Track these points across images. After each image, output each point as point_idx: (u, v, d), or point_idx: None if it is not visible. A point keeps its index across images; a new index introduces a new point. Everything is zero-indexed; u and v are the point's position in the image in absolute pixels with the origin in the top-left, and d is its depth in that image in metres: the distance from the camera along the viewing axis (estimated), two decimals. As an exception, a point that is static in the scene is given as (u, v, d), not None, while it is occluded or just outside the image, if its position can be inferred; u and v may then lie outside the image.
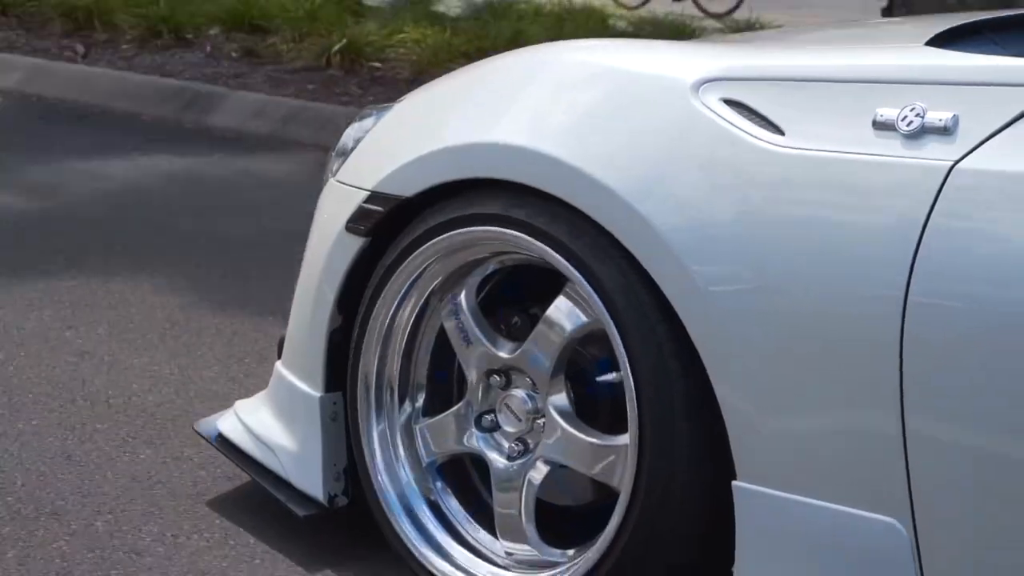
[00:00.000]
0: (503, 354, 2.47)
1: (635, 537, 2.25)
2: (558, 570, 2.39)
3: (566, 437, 2.39)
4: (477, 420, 2.51)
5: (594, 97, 2.38)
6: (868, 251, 2.06)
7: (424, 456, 2.59)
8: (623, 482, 2.27)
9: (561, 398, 2.40)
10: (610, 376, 2.40)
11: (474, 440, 2.53)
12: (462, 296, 2.50)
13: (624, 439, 2.28)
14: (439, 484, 2.59)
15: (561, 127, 2.36)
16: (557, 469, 2.45)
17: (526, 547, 2.46)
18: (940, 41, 2.29)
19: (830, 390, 2.10)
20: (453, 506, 2.58)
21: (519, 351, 2.45)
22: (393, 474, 2.59)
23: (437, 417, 2.58)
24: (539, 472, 2.43)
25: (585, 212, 2.29)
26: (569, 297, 2.37)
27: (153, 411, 3.37)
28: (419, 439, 2.59)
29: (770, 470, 2.17)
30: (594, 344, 2.41)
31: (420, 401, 2.62)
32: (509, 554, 2.49)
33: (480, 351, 2.49)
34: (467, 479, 2.63)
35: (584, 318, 2.36)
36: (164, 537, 2.74)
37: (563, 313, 2.37)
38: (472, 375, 2.52)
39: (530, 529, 2.44)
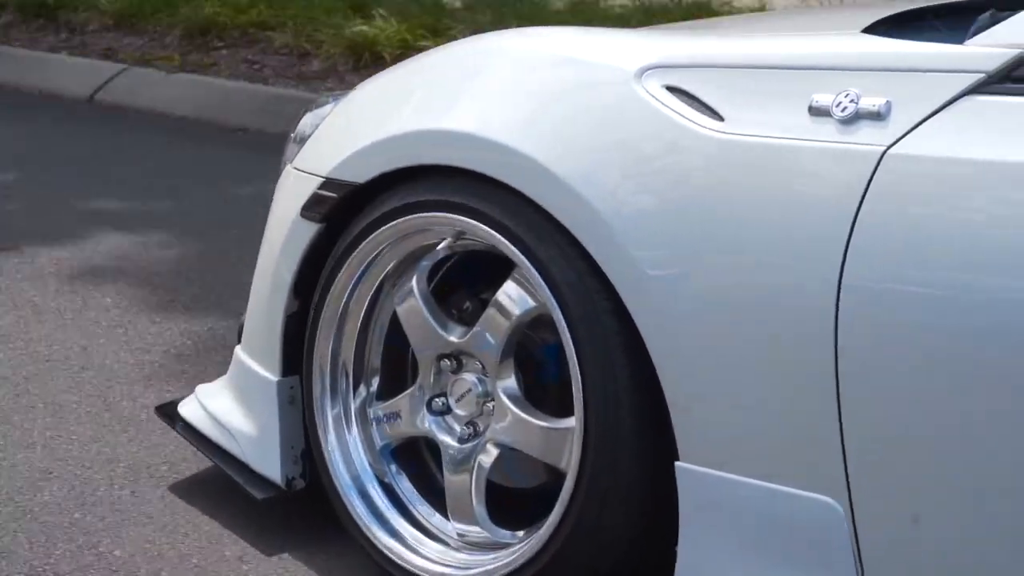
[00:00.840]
0: (453, 338, 2.51)
1: (581, 518, 2.29)
2: (509, 551, 2.43)
3: (515, 420, 2.43)
4: (429, 403, 2.55)
5: (540, 84, 2.42)
6: (803, 234, 2.10)
7: (378, 439, 2.63)
8: (570, 464, 2.31)
9: (510, 382, 2.44)
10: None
11: (426, 423, 2.56)
12: (414, 280, 2.54)
13: (571, 422, 2.32)
14: (393, 467, 2.63)
15: (508, 114, 2.40)
16: (507, 452, 2.49)
17: (477, 528, 2.50)
18: (878, 28, 2.32)
19: (768, 372, 2.14)
20: (407, 488, 2.62)
21: (469, 335, 2.48)
22: (347, 457, 2.63)
23: (390, 401, 2.62)
24: (489, 455, 2.47)
25: (531, 198, 2.32)
26: (517, 282, 2.41)
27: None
28: (373, 423, 2.63)
29: (711, 451, 2.21)
30: (544, 328, 2.44)
31: (374, 385, 2.66)
32: (461, 535, 2.53)
33: (431, 335, 2.53)
34: (422, 462, 2.67)
35: (532, 303, 2.39)
36: (123, 519, 2.78)
37: (511, 298, 2.41)
38: (423, 359, 2.56)
39: (480, 511, 2.48)
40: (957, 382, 1.99)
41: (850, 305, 2.05)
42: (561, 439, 2.36)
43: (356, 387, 2.65)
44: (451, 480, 2.52)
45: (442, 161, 2.45)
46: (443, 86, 2.56)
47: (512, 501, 2.57)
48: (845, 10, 2.49)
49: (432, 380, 2.56)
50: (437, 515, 2.59)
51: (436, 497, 2.62)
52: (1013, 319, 1.94)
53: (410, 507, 2.60)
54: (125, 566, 2.62)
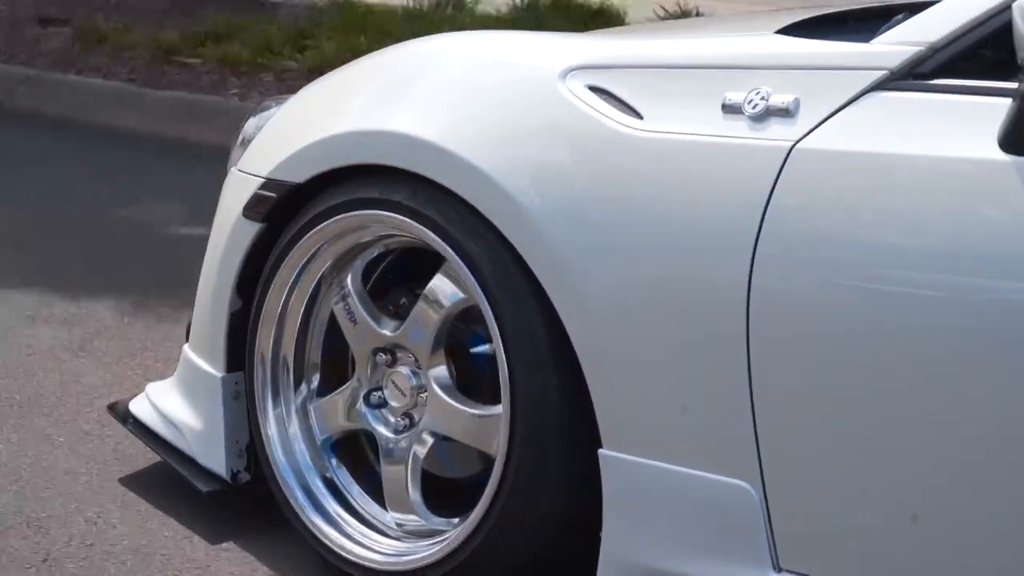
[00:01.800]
0: (387, 332, 2.58)
1: (510, 504, 2.36)
2: (443, 537, 2.50)
3: (446, 409, 2.50)
4: (366, 397, 2.62)
5: (470, 85, 2.50)
6: (717, 227, 2.17)
7: (319, 434, 2.70)
8: (498, 451, 2.38)
9: (441, 371, 2.51)
10: (485, 348, 2.51)
11: (364, 416, 2.63)
12: (348, 278, 2.61)
13: (500, 409, 2.39)
14: (333, 461, 2.70)
15: (438, 114, 2.48)
16: (441, 442, 2.56)
17: (414, 517, 2.57)
18: (794, 30, 2.40)
19: (684, 360, 2.21)
20: (345, 479, 2.69)
21: (401, 329, 2.56)
22: (288, 449, 2.70)
23: (329, 396, 2.69)
24: (424, 444, 2.54)
25: (459, 194, 2.40)
26: (447, 275, 2.48)
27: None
28: (313, 417, 2.70)
29: (632, 438, 2.29)
30: (475, 320, 2.52)
31: (315, 382, 2.73)
32: (400, 525, 2.60)
33: (366, 330, 2.61)
34: (362, 454, 2.74)
35: (461, 294, 2.47)
36: (72, 514, 2.85)
37: (441, 290, 2.49)
38: (360, 354, 2.63)
39: (416, 499, 2.55)
40: (863, 368, 2.07)
41: (760, 295, 2.13)
42: (491, 426, 2.43)
43: (297, 383, 2.72)
44: (388, 470, 2.59)
45: (375, 160, 2.52)
46: (377, 89, 2.63)
47: (453, 492, 2.64)
48: (781, 14, 2.56)
49: (369, 374, 2.63)
50: (375, 506, 2.66)
51: (375, 488, 2.69)
52: (915, 306, 2.01)
53: (351, 500, 2.67)
54: (71, 552, 2.68)
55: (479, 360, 2.55)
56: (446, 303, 2.48)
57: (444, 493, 2.62)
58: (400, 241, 2.58)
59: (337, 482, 2.68)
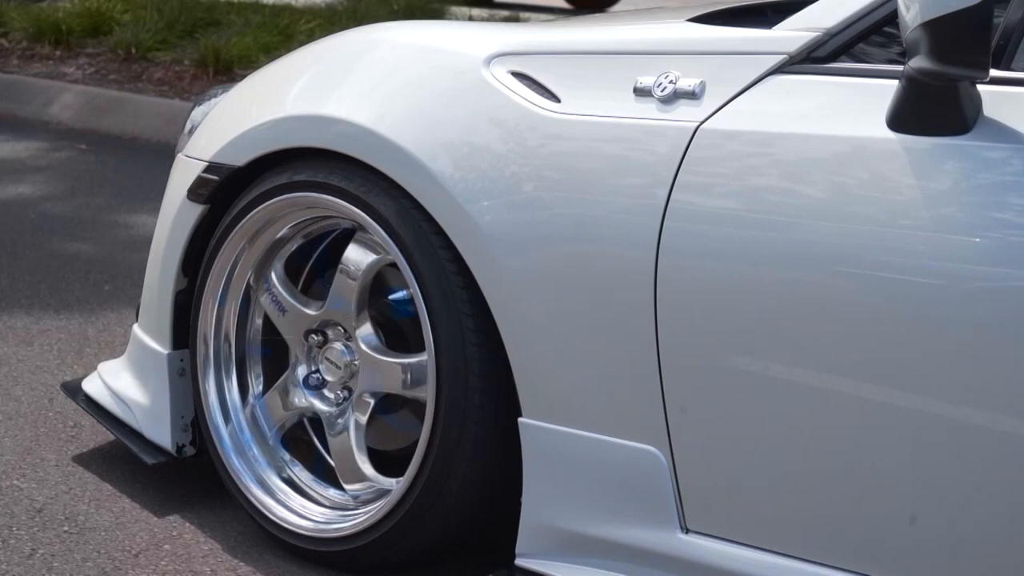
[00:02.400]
0: (313, 311, 2.70)
1: (437, 464, 2.47)
2: (389, 496, 2.58)
3: (378, 365, 2.62)
4: (305, 381, 2.73)
5: (400, 71, 2.61)
6: (627, 203, 2.29)
7: (267, 431, 2.80)
8: (428, 392, 2.48)
9: (367, 330, 2.64)
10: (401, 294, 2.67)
11: (306, 399, 2.74)
12: (272, 273, 2.75)
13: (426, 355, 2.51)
14: (287, 456, 2.80)
15: (368, 99, 2.59)
16: (382, 417, 2.67)
17: (368, 483, 2.65)
18: (706, 18, 2.51)
19: (596, 331, 2.32)
20: (301, 473, 2.79)
21: (325, 304, 2.68)
22: (228, 421, 2.80)
23: (270, 390, 2.80)
24: (364, 410, 2.65)
25: (388, 175, 2.51)
26: (358, 243, 2.62)
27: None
28: (259, 414, 2.80)
29: (549, 406, 2.40)
30: (393, 278, 2.66)
31: (259, 386, 2.83)
32: (356, 496, 2.69)
33: (294, 315, 2.72)
34: (308, 442, 2.84)
35: (373, 255, 2.59)
36: (29, 488, 2.95)
37: (354, 259, 2.62)
38: (293, 342, 2.75)
39: (363, 463, 2.65)
40: (763, 338, 2.18)
41: (667, 268, 2.24)
42: (420, 372, 2.55)
43: (239, 361, 2.82)
44: (335, 444, 2.69)
45: (310, 144, 2.63)
46: (314, 76, 2.75)
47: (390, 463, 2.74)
48: (702, 8, 2.67)
49: (304, 359, 2.74)
50: (307, 473, 2.77)
51: (317, 465, 2.80)
52: (810, 279, 2.12)
53: (302, 486, 2.77)
54: (26, 525, 2.79)
55: (401, 317, 2.66)
56: (362, 268, 2.60)
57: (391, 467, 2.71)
58: (322, 226, 2.70)
59: (295, 478, 2.77)
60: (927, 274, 2.03)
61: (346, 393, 2.69)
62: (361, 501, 2.69)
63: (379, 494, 2.65)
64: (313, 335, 2.71)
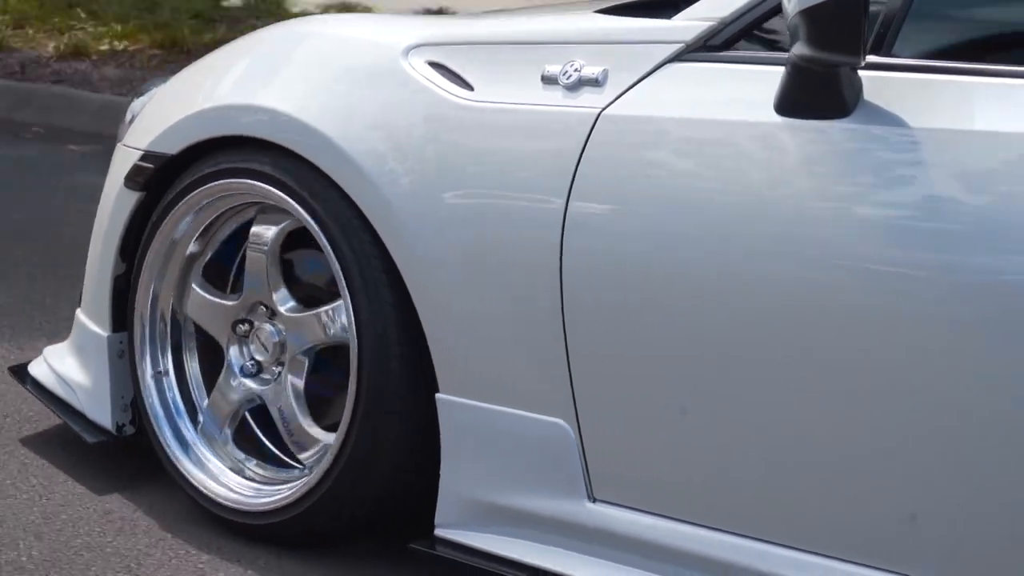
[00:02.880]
0: (232, 302, 2.82)
1: (363, 428, 2.56)
2: (316, 469, 2.67)
3: (298, 323, 2.74)
4: (241, 371, 2.83)
5: (324, 62, 2.72)
6: (535, 186, 2.39)
7: (218, 434, 2.89)
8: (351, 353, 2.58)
9: (284, 295, 2.76)
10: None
11: (245, 387, 2.83)
12: (191, 279, 2.89)
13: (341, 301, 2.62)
14: (241, 455, 2.89)
15: (294, 89, 2.69)
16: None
17: (318, 447, 2.73)
18: (615, 10, 2.61)
19: (507, 309, 2.43)
20: (256, 466, 2.89)
21: (243, 290, 2.79)
22: (163, 400, 2.91)
23: (212, 395, 2.91)
24: (298, 372, 2.75)
25: (310, 160, 2.61)
26: (259, 222, 2.76)
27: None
28: (208, 421, 2.90)
29: (463, 382, 2.50)
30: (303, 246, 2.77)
31: (205, 401, 2.93)
32: (311, 467, 2.78)
33: (218, 311, 2.83)
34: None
35: (276, 227, 2.73)
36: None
37: (260, 231, 2.76)
38: (223, 335, 2.85)
39: (309, 425, 2.74)
40: (663, 315, 2.28)
41: (571, 246, 2.34)
42: (337, 316, 2.66)
43: (175, 344, 2.93)
44: (279, 415, 2.79)
45: (238, 132, 2.73)
46: (243, 67, 2.85)
47: None
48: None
49: (237, 350, 2.84)
50: (267, 468, 2.87)
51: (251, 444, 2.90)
52: (705, 256, 2.23)
53: (246, 467, 2.88)
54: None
55: (310, 270, 2.81)
56: (268, 238, 2.74)
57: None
58: (240, 220, 2.83)
59: (252, 474, 2.87)
60: (812, 248, 2.13)
61: (280, 369, 2.79)
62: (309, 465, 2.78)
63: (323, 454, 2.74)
64: (240, 325, 2.81)
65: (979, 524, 2.06)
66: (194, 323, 2.93)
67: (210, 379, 2.93)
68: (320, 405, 2.81)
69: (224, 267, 2.92)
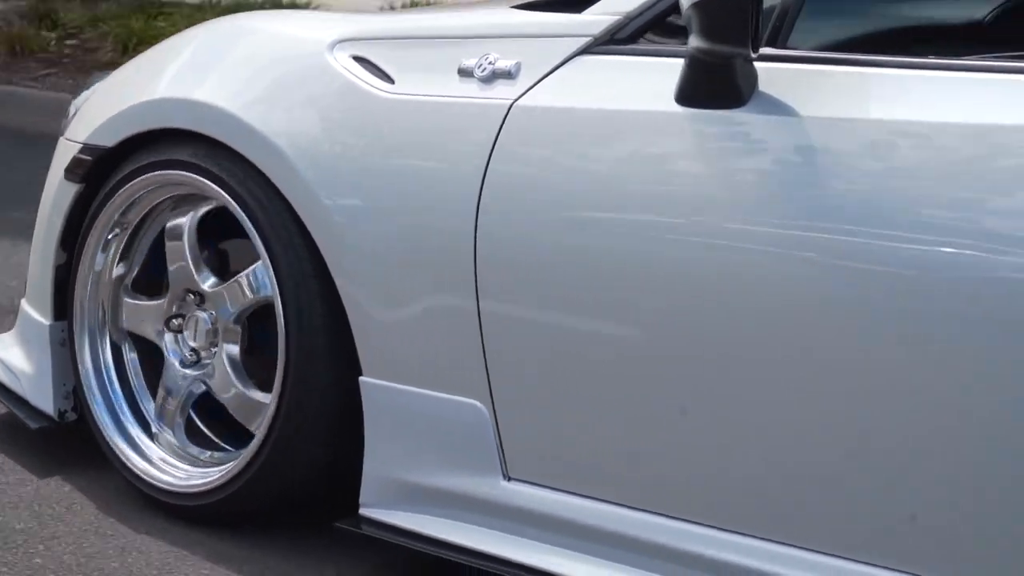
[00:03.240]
0: (162, 299, 2.91)
1: (290, 411, 2.65)
2: (246, 450, 2.75)
3: (224, 294, 2.82)
4: (182, 364, 2.91)
5: (254, 57, 2.81)
6: (451, 174, 2.48)
7: (173, 436, 2.95)
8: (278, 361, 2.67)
9: (206, 276, 2.86)
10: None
11: (188, 378, 2.91)
12: (122, 296, 2.98)
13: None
14: (195, 450, 2.96)
15: (225, 83, 2.78)
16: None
17: (261, 417, 2.77)
18: (529, 5, 2.70)
19: (424, 294, 2.51)
20: (151, 411, 2.98)
21: (169, 284, 2.89)
22: (102, 385, 2.99)
23: (157, 401, 2.98)
24: (232, 336, 2.82)
25: (240, 152, 2.69)
26: (174, 217, 2.88)
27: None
28: (159, 425, 2.97)
29: (385, 365, 2.58)
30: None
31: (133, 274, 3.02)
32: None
33: (150, 313, 2.95)
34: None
35: (190, 214, 2.83)
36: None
37: (177, 220, 2.87)
38: (160, 338, 2.95)
39: (252, 391, 2.80)
40: (574, 297, 2.37)
41: (485, 232, 2.43)
42: (257, 277, 2.75)
43: (114, 330, 3.01)
44: (219, 385, 2.86)
45: (171, 125, 2.82)
46: (178, 62, 2.94)
47: None
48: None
49: (175, 349, 2.92)
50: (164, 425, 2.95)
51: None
52: (610, 238, 2.32)
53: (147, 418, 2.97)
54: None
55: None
56: (185, 224, 2.86)
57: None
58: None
59: (188, 456, 2.94)
60: (708, 233, 2.22)
61: (217, 348, 2.86)
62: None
63: None
64: (173, 320, 2.90)
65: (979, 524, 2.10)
66: (132, 334, 3.01)
67: (149, 365, 3.01)
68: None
69: (152, 277, 3.00)
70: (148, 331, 2.96)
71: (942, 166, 2.07)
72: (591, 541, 2.42)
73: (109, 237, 2.95)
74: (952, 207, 2.05)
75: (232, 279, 2.81)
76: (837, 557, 2.18)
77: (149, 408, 2.97)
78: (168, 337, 2.93)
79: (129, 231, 2.95)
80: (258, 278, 2.75)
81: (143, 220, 2.95)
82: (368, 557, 2.71)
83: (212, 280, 2.85)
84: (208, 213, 2.85)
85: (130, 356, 3.02)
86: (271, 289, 2.65)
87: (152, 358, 2.99)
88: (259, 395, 2.78)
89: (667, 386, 2.31)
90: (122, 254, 2.96)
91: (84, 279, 2.98)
